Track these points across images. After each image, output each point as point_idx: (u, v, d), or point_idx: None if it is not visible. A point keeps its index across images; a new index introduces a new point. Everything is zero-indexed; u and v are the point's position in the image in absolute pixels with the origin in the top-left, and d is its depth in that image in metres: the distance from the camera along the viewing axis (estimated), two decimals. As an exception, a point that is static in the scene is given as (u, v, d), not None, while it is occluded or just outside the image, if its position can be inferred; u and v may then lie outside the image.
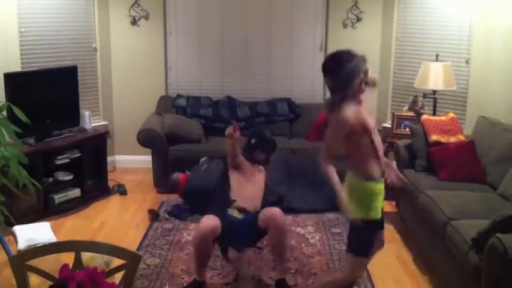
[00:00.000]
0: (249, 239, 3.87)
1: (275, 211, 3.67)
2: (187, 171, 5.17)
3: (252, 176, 4.15)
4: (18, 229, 4.09)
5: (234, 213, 3.86)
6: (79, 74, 5.47)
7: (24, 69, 5.18)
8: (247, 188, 4.05)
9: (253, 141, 4.33)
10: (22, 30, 5.19)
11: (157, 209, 5.06)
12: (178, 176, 5.15)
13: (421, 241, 4.26)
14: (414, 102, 5.39)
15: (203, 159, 5.26)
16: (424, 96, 5.40)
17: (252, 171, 4.17)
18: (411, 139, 4.85)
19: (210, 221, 3.58)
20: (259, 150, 4.26)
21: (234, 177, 4.12)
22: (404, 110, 5.54)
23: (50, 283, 2.16)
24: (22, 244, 3.99)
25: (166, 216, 4.90)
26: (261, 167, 4.26)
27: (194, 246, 3.69)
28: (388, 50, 6.12)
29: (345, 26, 6.17)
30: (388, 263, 4.12)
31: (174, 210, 4.97)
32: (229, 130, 3.90)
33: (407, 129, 5.20)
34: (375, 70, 6.25)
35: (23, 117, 3.50)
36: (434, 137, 4.68)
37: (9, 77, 4.72)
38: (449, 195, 4.02)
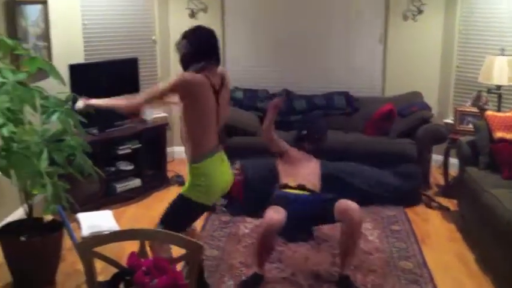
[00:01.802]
0: (312, 218, 3.82)
1: (353, 206, 3.52)
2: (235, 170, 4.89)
3: (305, 160, 4.17)
4: (81, 216, 4.21)
5: (295, 191, 3.88)
6: (139, 65, 5.57)
7: (88, 61, 5.30)
8: (301, 169, 4.10)
9: (304, 132, 4.32)
10: (85, 22, 5.31)
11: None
12: None
13: (483, 240, 4.12)
14: (478, 97, 5.22)
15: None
16: (488, 91, 5.22)
17: (303, 156, 4.19)
18: (474, 135, 4.70)
19: (275, 215, 3.54)
20: (308, 142, 4.27)
21: (282, 165, 4.14)
22: (467, 105, 5.37)
23: (113, 268, 2.21)
24: (86, 231, 4.10)
25: (223, 209, 4.91)
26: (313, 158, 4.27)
27: (258, 240, 3.60)
28: (451, 44, 5.94)
29: (405, 18, 6.03)
30: (449, 263, 4.02)
31: (228, 205, 4.96)
32: (275, 102, 4.04)
33: (471, 126, 5.06)
34: (437, 64, 6.10)
35: (87, 107, 3.58)
36: (499, 134, 4.52)
37: (73, 68, 4.85)
38: (515, 194, 3.87)
